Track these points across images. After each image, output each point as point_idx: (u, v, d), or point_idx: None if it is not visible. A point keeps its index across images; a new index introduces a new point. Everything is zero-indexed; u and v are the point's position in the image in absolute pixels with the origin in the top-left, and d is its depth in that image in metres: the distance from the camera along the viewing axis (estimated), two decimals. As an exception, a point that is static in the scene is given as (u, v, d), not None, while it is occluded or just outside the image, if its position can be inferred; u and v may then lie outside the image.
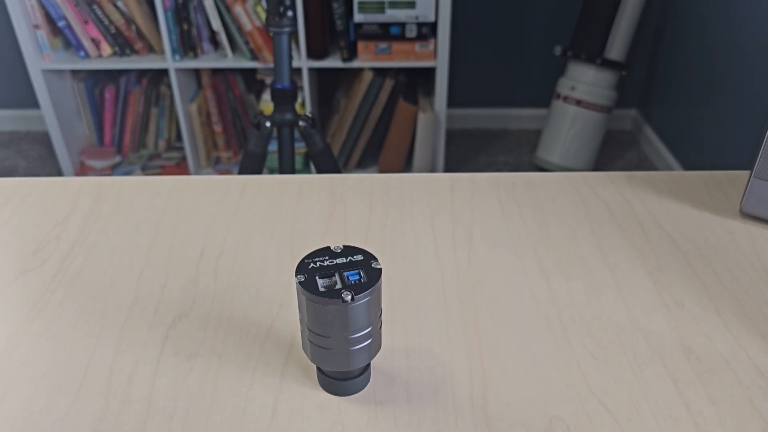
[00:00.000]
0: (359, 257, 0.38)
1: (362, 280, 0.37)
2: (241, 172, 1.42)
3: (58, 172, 2.27)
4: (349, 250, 0.39)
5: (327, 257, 0.38)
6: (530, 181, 0.64)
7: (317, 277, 0.37)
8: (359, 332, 0.37)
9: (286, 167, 1.42)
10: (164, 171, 2.27)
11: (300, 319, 0.38)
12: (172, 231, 0.57)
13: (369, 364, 0.41)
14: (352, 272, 0.37)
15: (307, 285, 0.36)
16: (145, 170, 2.26)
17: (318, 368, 0.41)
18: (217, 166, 2.30)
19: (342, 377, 0.40)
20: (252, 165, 1.37)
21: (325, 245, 0.55)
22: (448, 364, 0.43)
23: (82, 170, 2.24)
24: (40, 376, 0.42)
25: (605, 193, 0.62)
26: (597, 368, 0.42)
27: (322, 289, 0.36)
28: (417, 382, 0.41)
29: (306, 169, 2.22)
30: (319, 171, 1.42)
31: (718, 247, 0.54)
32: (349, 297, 0.35)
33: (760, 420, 0.39)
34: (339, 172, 1.49)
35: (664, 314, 0.47)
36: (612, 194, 0.62)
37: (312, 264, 0.38)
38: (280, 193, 0.62)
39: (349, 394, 0.40)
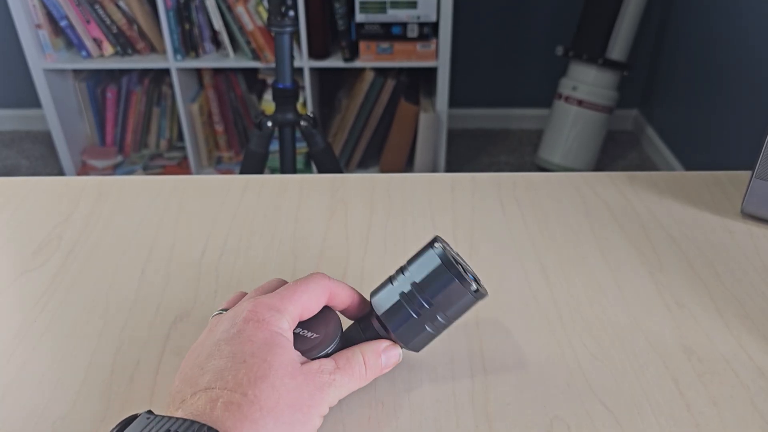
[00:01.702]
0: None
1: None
2: (242, 172, 1.42)
3: (60, 172, 2.28)
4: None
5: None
6: (531, 181, 0.64)
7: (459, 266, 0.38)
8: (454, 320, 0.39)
9: (288, 167, 1.42)
10: (166, 170, 2.27)
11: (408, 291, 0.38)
12: (174, 231, 0.57)
13: None
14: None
15: (450, 266, 0.37)
16: (147, 170, 2.26)
17: None
18: (218, 165, 2.30)
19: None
20: (253, 165, 1.37)
21: (326, 244, 0.55)
22: (448, 363, 0.43)
23: (83, 170, 2.25)
24: (41, 375, 0.42)
25: (606, 193, 0.62)
26: (598, 368, 0.42)
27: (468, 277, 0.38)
28: (418, 381, 0.41)
29: (307, 169, 2.22)
30: (321, 171, 1.42)
31: (719, 248, 0.54)
32: (475, 288, 0.37)
33: (761, 420, 0.39)
34: (340, 171, 1.49)
35: (665, 314, 0.47)
36: (613, 194, 0.62)
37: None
38: (282, 192, 0.62)
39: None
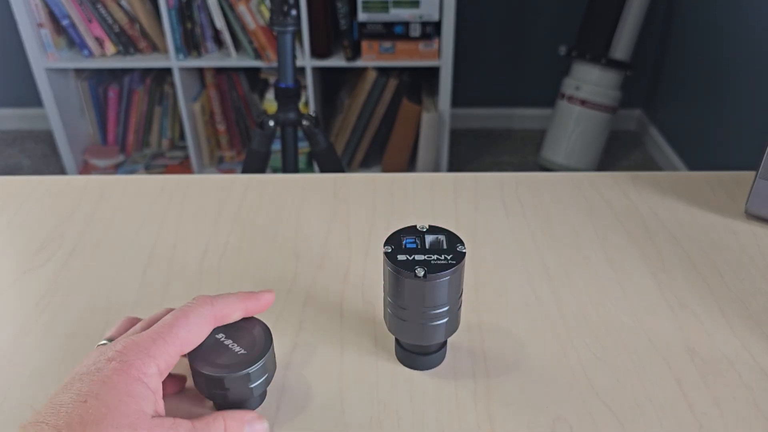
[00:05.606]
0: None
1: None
2: (244, 171, 1.42)
3: (62, 171, 2.28)
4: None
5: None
6: (534, 181, 0.64)
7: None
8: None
9: (290, 166, 1.42)
10: (167, 170, 2.27)
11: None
12: (175, 230, 0.57)
13: (446, 343, 0.43)
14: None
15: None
16: (149, 169, 2.26)
17: (396, 341, 0.43)
18: (220, 165, 2.30)
19: (420, 351, 0.42)
20: (255, 164, 1.37)
21: (328, 244, 0.55)
22: (451, 363, 0.43)
23: (85, 169, 2.25)
24: (43, 374, 0.42)
25: (609, 194, 0.62)
26: (600, 369, 0.42)
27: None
28: (420, 381, 0.41)
29: (309, 169, 2.22)
30: (323, 170, 1.42)
31: (722, 248, 0.54)
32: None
33: (764, 421, 0.38)
34: (342, 171, 1.49)
35: (668, 315, 0.47)
36: (616, 194, 0.62)
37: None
38: (284, 192, 0.62)
39: (427, 369, 0.42)
